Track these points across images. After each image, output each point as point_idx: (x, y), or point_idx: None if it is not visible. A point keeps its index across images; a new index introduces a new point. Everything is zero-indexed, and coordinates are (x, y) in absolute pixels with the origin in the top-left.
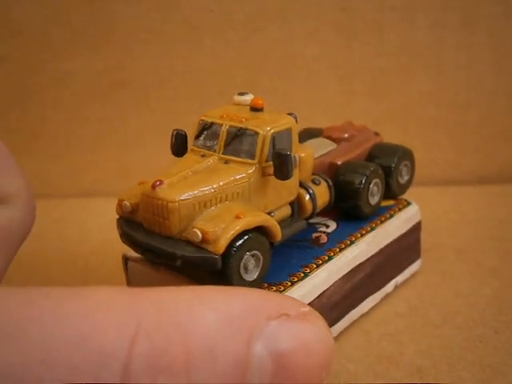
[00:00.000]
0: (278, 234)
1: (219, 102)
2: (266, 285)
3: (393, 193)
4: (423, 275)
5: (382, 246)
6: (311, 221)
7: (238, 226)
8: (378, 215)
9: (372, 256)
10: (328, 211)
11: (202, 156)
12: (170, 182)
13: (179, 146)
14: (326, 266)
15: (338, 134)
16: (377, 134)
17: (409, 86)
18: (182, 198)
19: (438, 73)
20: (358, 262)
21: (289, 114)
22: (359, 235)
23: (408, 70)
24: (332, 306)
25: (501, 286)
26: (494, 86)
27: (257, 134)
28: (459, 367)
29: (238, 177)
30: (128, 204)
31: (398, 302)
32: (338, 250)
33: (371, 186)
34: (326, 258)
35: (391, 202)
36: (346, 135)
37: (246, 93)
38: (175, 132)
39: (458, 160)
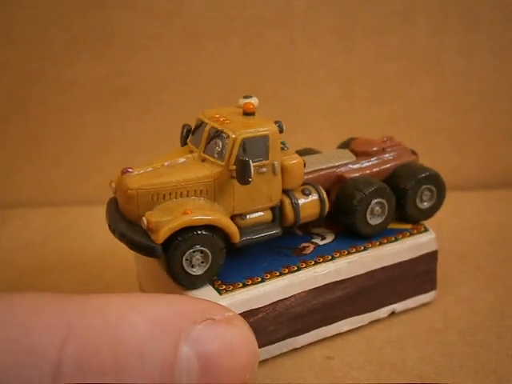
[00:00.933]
0: (235, 235)
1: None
2: (219, 282)
3: (410, 217)
4: None
5: (372, 268)
6: (313, 230)
7: (181, 221)
8: (381, 236)
9: (356, 276)
10: (332, 224)
11: (190, 152)
12: (139, 170)
13: (185, 138)
14: (289, 276)
15: (364, 147)
16: (414, 152)
17: (410, 91)
18: (140, 186)
19: (440, 77)
20: (333, 280)
21: (275, 121)
22: (345, 253)
23: (409, 74)
24: (293, 317)
25: (503, 290)
26: (495, 91)
27: (228, 137)
28: (462, 373)
29: (201, 175)
30: (113, 185)
31: None
32: (312, 262)
33: (371, 205)
34: (295, 268)
35: (407, 226)
36: (373, 149)
37: (251, 96)
38: (184, 125)
39: (459, 165)
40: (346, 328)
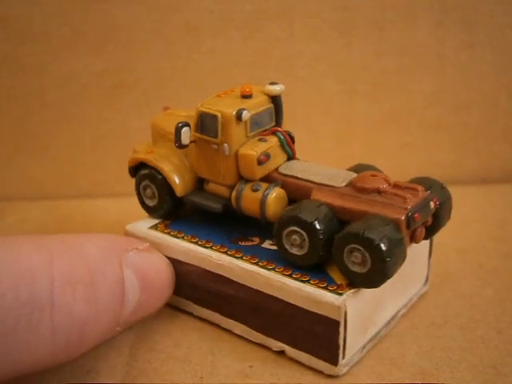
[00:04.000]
0: (175, 187)
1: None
2: (168, 229)
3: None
4: None
5: (262, 290)
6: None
7: (132, 156)
8: (304, 269)
9: (247, 287)
10: None
11: None
12: (172, 111)
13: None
14: (200, 248)
15: (369, 183)
16: (413, 213)
17: (410, 86)
18: (153, 124)
19: (440, 73)
20: (224, 274)
21: (239, 110)
22: (256, 260)
23: (409, 70)
24: (191, 284)
25: (503, 286)
26: (495, 87)
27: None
28: (461, 368)
29: None
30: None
31: None
32: (226, 250)
33: (287, 230)
34: (217, 247)
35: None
36: (368, 185)
37: (277, 83)
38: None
39: (459, 160)
40: (238, 332)
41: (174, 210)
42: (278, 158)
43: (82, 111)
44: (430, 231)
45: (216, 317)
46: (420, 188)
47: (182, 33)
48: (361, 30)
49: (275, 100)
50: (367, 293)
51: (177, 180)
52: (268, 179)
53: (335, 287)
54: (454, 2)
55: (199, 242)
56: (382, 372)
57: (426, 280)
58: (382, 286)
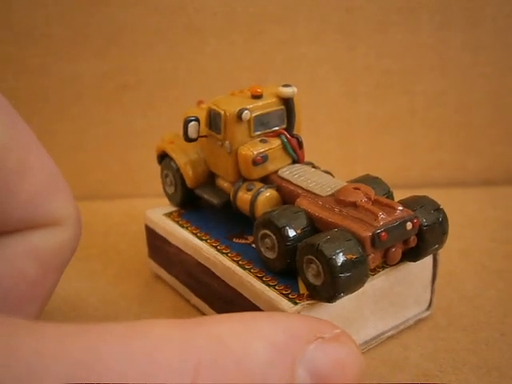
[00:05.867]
0: (187, 179)
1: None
2: (183, 220)
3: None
4: None
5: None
6: None
7: (157, 145)
8: (275, 274)
9: (225, 284)
10: None
11: None
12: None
13: None
14: (196, 239)
15: (348, 196)
16: (381, 232)
17: (413, 88)
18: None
19: (443, 74)
20: (208, 267)
21: (240, 109)
22: (239, 259)
23: (413, 71)
24: (187, 271)
25: (507, 287)
26: (499, 87)
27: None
28: (465, 370)
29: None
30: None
31: None
32: (217, 245)
33: (261, 233)
34: (212, 241)
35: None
36: (346, 198)
37: (290, 85)
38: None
39: (463, 162)
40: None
41: (188, 200)
42: (280, 160)
43: (86, 112)
44: (415, 254)
45: (206, 308)
46: (399, 207)
47: (186, 34)
48: (364, 32)
49: (287, 102)
50: (332, 307)
51: (189, 172)
52: (267, 180)
53: (295, 296)
54: (457, 3)
55: (198, 234)
56: (385, 374)
57: (430, 305)
58: (359, 302)
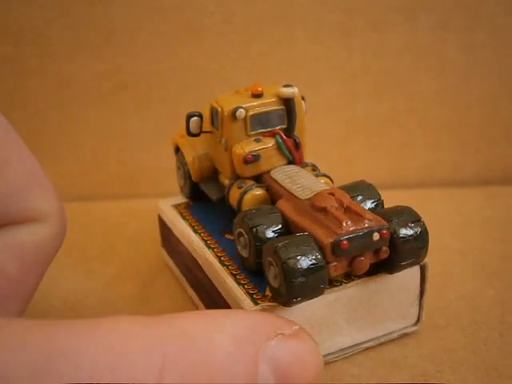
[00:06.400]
0: (192, 172)
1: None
2: (190, 213)
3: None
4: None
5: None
6: None
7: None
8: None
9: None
10: None
11: None
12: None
13: None
14: (193, 233)
15: (320, 201)
16: (340, 239)
17: (411, 87)
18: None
19: (441, 74)
20: (200, 263)
21: (235, 107)
22: (223, 254)
23: (410, 71)
24: (186, 266)
25: (505, 287)
26: (497, 87)
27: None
28: (463, 370)
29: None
30: None
31: None
32: (209, 240)
33: (237, 231)
34: (205, 235)
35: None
36: (318, 203)
37: (290, 85)
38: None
39: (461, 161)
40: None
41: (197, 194)
42: (274, 160)
43: (83, 113)
44: (389, 266)
45: (197, 301)
46: (368, 216)
47: (183, 35)
48: (361, 32)
49: (288, 103)
50: (301, 311)
51: (194, 166)
52: (260, 179)
53: (260, 296)
54: (455, 3)
55: (196, 227)
56: (383, 374)
57: (418, 320)
58: (330, 309)
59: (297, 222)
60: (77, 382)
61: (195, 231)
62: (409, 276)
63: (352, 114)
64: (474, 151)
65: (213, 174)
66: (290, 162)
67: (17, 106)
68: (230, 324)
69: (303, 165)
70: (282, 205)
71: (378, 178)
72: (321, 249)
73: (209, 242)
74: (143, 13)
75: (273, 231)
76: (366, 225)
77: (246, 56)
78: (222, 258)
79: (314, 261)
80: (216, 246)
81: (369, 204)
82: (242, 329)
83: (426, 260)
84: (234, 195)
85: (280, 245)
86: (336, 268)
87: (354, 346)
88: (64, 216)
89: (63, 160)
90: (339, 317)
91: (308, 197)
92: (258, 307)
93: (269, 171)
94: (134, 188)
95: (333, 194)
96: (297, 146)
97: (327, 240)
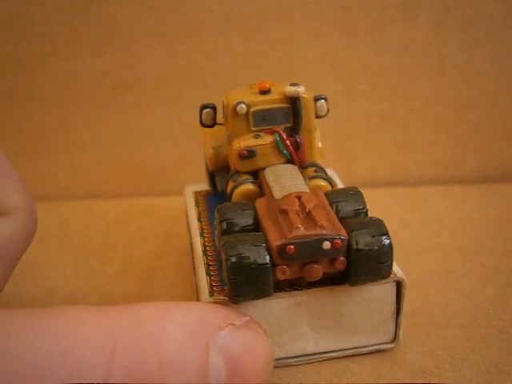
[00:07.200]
0: (208, 163)
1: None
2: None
3: None
4: (426, 275)
5: None
6: None
7: None
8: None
9: None
10: None
11: None
12: None
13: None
14: (197, 222)
15: (284, 203)
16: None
17: (411, 86)
18: None
19: (440, 72)
20: (193, 257)
21: (237, 102)
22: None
23: (410, 69)
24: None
25: (505, 285)
26: (495, 85)
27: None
28: (463, 367)
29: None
30: None
31: None
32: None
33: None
34: (208, 228)
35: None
36: (284, 209)
37: (297, 84)
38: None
39: (460, 159)
40: None
41: (214, 183)
42: (271, 157)
43: (83, 111)
44: (346, 278)
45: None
46: (323, 224)
47: (183, 33)
48: (361, 30)
49: (294, 102)
50: (259, 310)
51: (210, 156)
52: (257, 175)
53: (219, 290)
54: (455, 1)
55: (201, 215)
56: (382, 371)
57: (395, 338)
58: (291, 313)
59: (261, 221)
60: (27, 365)
61: (199, 219)
62: (381, 291)
63: (352, 111)
64: (474, 149)
65: (228, 166)
66: (289, 162)
67: (17, 105)
68: (180, 314)
69: (306, 165)
70: (258, 203)
71: (377, 176)
72: (270, 251)
73: (205, 230)
74: (143, 11)
75: (242, 227)
76: (318, 232)
77: (246, 54)
78: (208, 248)
79: (257, 261)
80: (209, 235)
81: (349, 211)
82: (192, 319)
83: (403, 277)
84: (229, 188)
85: (229, 241)
86: (284, 271)
87: (320, 353)
88: (33, 211)
89: (64, 158)
90: (303, 322)
91: (280, 198)
92: (211, 299)
93: (264, 168)
94: (134, 186)
95: (299, 198)
96: (297, 145)
97: (275, 243)
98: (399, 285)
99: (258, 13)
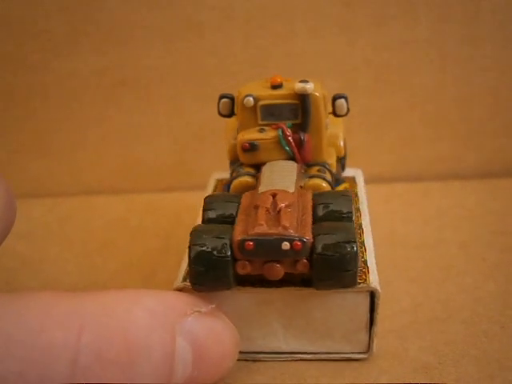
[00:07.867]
0: (228, 152)
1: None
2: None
3: None
4: (428, 270)
5: None
6: None
7: None
8: None
9: None
10: None
11: None
12: None
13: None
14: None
15: (257, 199)
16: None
17: (411, 82)
18: None
19: (442, 68)
20: None
21: (245, 95)
22: None
23: (411, 65)
24: None
25: (506, 280)
26: (497, 81)
27: None
28: (464, 362)
29: None
30: None
31: (403, 297)
32: None
33: None
34: None
35: None
36: (256, 204)
37: (306, 81)
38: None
39: (462, 155)
40: None
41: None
42: (274, 152)
43: (84, 108)
44: (309, 282)
45: None
46: (287, 224)
47: (184, 30)
48: (362, 26)
49: (303, 98)
50: (228, 303)
51: (231, 147)
52: (259, 169)
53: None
54: None
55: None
56: (383, 366)
57: (368, 349)
58: (260, 309)
59: (238, 214)
60: (4, 346)
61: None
62: (352, 299)
63: (353, 107)
64: (475, 144)
65: None
66: (291, 158)
67: (17, 102)
68: (147, 299)
69: (311, 164)
70: (245, 196)
71: (378, 172)
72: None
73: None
74: (143, 8)
75: (224, 218)
76: (280, 232)
77: (246, 51)
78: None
79: (217, 253)
80: None
81: (331, 214)
82: (159, 305)
83: (378, 288)
84: (230, 179)
85: (196, 230)
86: (244, 266)
87: (290, 353)
88: (11, 203)
89: (65, 155)
90: (274, 319)
91: (258, 192)
92: (182, 284)
93: (264, 163)
94: (135, 183)
95: (274, 195)
96: (301, 143)
97: (236, 237)
98: (372, 295)
99: (259, 9)
